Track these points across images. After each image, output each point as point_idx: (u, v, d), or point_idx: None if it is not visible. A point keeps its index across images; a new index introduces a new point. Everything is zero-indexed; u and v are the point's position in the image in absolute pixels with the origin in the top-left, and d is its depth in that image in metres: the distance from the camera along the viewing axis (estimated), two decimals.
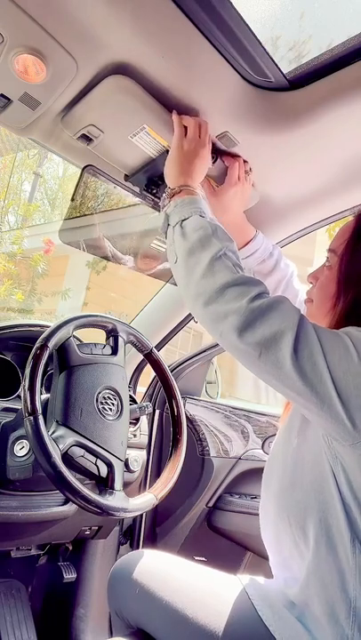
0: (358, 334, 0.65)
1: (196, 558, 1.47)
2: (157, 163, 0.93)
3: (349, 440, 0.63)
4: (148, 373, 1.55)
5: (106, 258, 1.16)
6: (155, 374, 1.15)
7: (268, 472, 0.81)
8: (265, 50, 0.74)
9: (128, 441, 1.01)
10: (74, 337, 0.95)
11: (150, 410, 1.13)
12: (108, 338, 1.05)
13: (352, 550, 0.65)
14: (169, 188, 0.84)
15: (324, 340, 0.64)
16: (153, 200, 1.03)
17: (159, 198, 1.03)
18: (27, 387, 0.82)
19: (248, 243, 1.06)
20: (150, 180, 0.99)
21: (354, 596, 0.64)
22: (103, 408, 0.93)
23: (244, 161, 0.96)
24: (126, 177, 0.99)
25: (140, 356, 1.29)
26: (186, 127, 0.86)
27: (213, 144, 0.91)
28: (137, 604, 0.85)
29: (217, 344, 1.53)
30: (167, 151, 0.91)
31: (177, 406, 1.09)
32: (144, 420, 1.30)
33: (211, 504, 1.52)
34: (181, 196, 0.80)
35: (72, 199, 1.02)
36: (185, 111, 0.85)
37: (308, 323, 0.66)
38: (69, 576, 1.32)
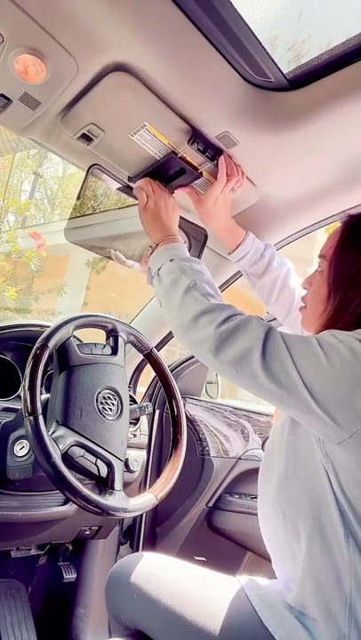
0: (329, 337, 0.69)
1: (196, 558, 1.47)
2: (161, 163, 0.93)
3: (336, 439, 0.66)
4: (148, 373, 1.55)
5: (110, 257, 1.17)
6: (155, 374, 1.15)
7: (264, 469, 0.82)
8: (265, 50, 0.74)
9: (128, 441, 1.01)
10: (74, 337, 0.95)
11: (150, 410, 1.13)
12: (108, 338, 1.05)
13: (346, 546, 0.65)
14: (149, 246, 0.92)
15: (293, 349, 0.68)
16: None
17: None
18: (27, 387, 0.82)
19: (238, 246, 1.07)
20: None
21: (349, 592, 0.64)
22: (103, 408, 0.93)
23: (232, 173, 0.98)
24: (130, 179, 0.99)
25: (140, 356, 1.29)
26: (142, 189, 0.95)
27: (213, 145, 0.91)
28: (135, 607, 0.84)
29: None
30: (171, 151, 0.91)
31: (177, 406, 1.09)
32: (144, 420, 1.30)
33: (211, 504, 1.52)
34: (158, 249, 0.89)
35: (78, 198, 1.03)
36: (185, 111, 0.85)
37: (277, 334, 0.71)
38: (69, 576, 1.32)
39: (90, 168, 0.97)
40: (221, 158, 0.94)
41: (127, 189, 1.03)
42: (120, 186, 1.02)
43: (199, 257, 1.27)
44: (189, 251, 1.29)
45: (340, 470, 0.68)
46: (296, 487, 0.72)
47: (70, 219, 1.11)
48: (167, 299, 0.83)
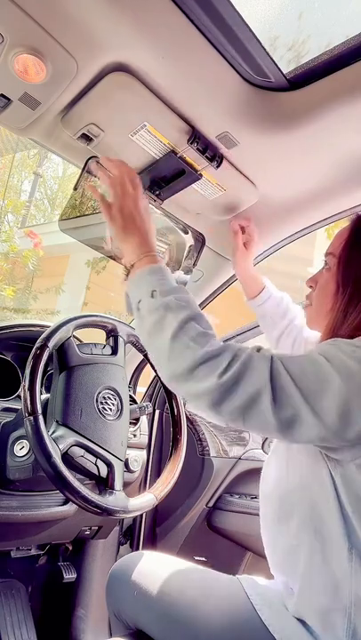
0: (335, 353, 0.65)
1: (196, 558, 1.47)
2: (160, 163, 0.93)
3: (349, 458, 0.65)
4: (148, 373, 1.55)
5: (103, 253, 1.17)
6: (155, 374, 1.15)
7: (267, 478, 0.81)
8: (265, 50, 0.74)
9: (128, 441, 1.01)
10: (74, 337, 0.95)
11: (150, 410, 1.14)
12: (108, 338, 1.05)
13: (348, 558, 0.65)
14: (125, 267, 0.79)
15: (299, 376, 0.63)
16: (155, 201, 1.03)
17: (162, 200, 1.03)
18: (27, 387, 0.82)
19: (263, 289, 1.11)
20: (153, 181, 0.99)
21: (349, 603, 0.64)
22: (103, 408, 0.93)
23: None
24: None
25: (140, 356, 1.30)
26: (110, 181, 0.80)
27: (213, 145, 0.91)
28: (136, 605, 0.85)
29: None
30: (171, 151, 0.91)
31: (177, 406, 1.09)
32: (144, 420, 1.30)
33: (211, 504, 1.52)
34: (133, 274, 0.76)
35: (75, 188, 1.02)
36: (185, 111, 0.85)
37: (280, 365, 0.65)
38: (69, 576, 1.32)
39: (88, 159, 0.96)
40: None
41: None
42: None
43: (197, 260, 1.28)
44: (188, 253, 1.29)
45: (349, 482, 0.66)
46: (299, 497, 0.71)
47: (67, 217, 1.10)
48: (152, 343, 0.72)
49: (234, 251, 1.13)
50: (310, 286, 0.89)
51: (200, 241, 1.23)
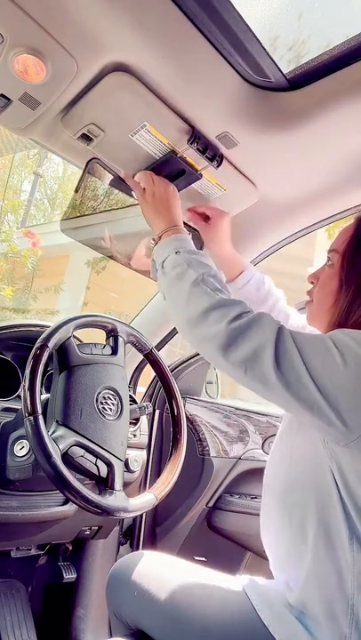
0: (342, 336, 0.67)
1: (196, 558, 1.47)
2: (160, 163, 0.93)
3: (343, 441, 0.65)
4: (148, 373, 1.55)
5: (104, 253, 1.17)
6: (155, 374, 1.15)
7: (269, 472, 0.82)
8: (265, 50, 0.74)
9: (128, 441, 1.01)
10: (74, 337, 0.95)
11: (150, 410, 1.13)
12: (108, 338, 1.05)
13: (350, 548, 0.65)
14: (152, 239, 0.91)
15: (304, 348, 0.67)
16: None
17: None
18: (27, 387, 0.82)
19: (242, 272, 1.08)
20: None
21: (352, 593, 0.65)
22: (103, 408, 0.93)
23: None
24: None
25: (140, 356, 1.29)
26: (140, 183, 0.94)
27: (213, 145, 0.91)
28: (136, 605, 0.84)
29: None
30: (171, 151, 0.91)
31: (177, 406, 1.09)
32: (144, 420, 1.30)
33: (211, 504, 1.52)
34: (162, 241, 0.87)
35: (76, 190, 1.02)
36: (185, 111, 0.85)
37: (287, 333, 0.69)
38: (69, 576, 1.32)
39: (89, 161, 0.96)
40: None
41: (125, 185, 1.02)
42: (118, 180, 1.02)
43: None
44: None
45: (347, 471, 0.67)
46: (302, 490, 0.72)
47: (68, 218, 1.10)
48: (172, 292, 0.80)
49: (201, 231, 1.08)
50: (312, 282, 0.88)
51: (200, 241, 1.23)
